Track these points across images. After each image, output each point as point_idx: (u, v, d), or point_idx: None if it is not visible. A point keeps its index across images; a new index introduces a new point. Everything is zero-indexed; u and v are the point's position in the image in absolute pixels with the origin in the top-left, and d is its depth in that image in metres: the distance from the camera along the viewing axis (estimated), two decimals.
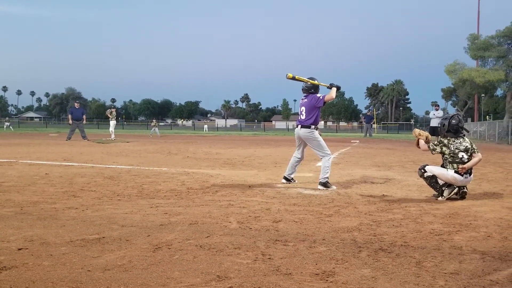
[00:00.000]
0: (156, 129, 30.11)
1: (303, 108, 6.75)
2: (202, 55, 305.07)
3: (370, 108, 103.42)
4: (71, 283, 2.53)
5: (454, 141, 5.54)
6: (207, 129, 54.44)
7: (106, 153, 12.90)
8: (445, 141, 5.59)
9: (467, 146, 5.54)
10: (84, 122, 21.03)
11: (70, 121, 20.43)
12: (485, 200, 5.53)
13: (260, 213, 4.57)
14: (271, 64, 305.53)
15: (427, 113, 35.93)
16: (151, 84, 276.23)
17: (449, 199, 5.46)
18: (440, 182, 5.55)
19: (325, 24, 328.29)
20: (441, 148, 5.59)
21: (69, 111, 21.63)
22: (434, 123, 19.50)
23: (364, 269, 2.83)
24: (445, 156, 5.57)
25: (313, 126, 6.64)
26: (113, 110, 22.83)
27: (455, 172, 5.41)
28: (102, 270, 2.75)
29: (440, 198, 5.49)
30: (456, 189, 5.49)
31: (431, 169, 5.58)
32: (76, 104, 21.63)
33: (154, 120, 33.18)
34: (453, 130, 5.58)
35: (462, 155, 5.48)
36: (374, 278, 2.67)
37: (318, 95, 6.70)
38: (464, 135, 5.63)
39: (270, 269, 2.81)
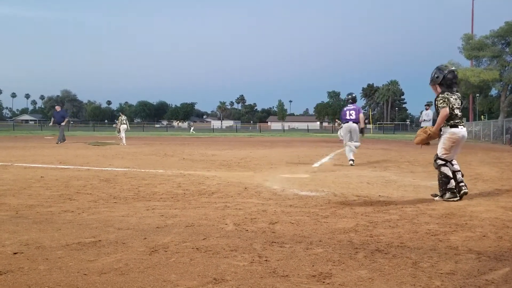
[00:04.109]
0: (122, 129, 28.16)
1: (353, 112, 10.49)
2: (197, 56, 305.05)
3: (366, 108, 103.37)
4: (68, 287, 2.52)
5: (452, 96, 5.56)
6: (193, 131, 51.88)
7: (102, 155, 12.87)
8: (446, 95, 5.55)
9: (459, 103, 5.64)
10: (64, 123, 20.34)
11: (51, 123, 20.62)
12: (481, 200, 5.55)
13: (256, 214, 4.57)
14: (266, 65, 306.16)
15: None
16: (147, 86, 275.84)
17: (446, 201, 5.47)
18: (451, 183, 5.46)
19: (320, 25, 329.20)
20: (447, 102, 5.52)
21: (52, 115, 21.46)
22: (425, 124, 19.42)
23: (361, 270, 2.83)
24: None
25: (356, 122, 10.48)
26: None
27: (451, 127, 5.49)
28: (98, 273, 2.74)
29: (437, 199, 5.50)
30: (458, 198, 5.45)
31: (440, 152, 5.57)
32: (56, 107, 21.44)
33: (116, 122, 29.67)
34: (447, 84, 5.59)
35: (457, 113, 5.57)
36: (371, 279, 2.68)
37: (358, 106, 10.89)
38: (456, 91, 5.70)
39: (267, 271, 2.81)
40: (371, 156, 13.18)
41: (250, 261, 3.00)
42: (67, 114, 22.34)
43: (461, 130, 5.55)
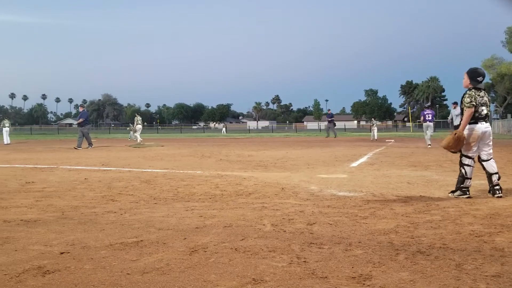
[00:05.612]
0: (132, 133, 27.95)
1: (430, 114, 17.49)
2: (232, 57, 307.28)
3: (405, 105, 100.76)
4: (111, 286, 2.61)
5: (478, 94, 5.58)
6: (225, 132, 53.58)
7: (142, 157, 13.18)
8: (472, 93, 5.57)
9: (486, 101, 5.60)
10: (81, 126, 18.42)
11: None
12: None
13: (294, 215, 4.56)
14: (301, 64, 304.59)
15: None
16: (184, 88, 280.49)
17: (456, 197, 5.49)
18: (465, 183, 5.49)
19: (357, 21, 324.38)
20: (475, 100, 5.54)
21: None
22: (458, 121, 18.61)
23: (402, 272, 2.78)
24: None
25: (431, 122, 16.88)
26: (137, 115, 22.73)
27: (473, 124, 5.51)
28: (140, 273, 2.82)
29: (449, 194, 5.65)
30: (467, 196, 5.46)
31: (463, 148, 5.57)
32: (80, 108, 20.33)
33: (130, 125, 31.25)
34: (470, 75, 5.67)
35: (482, 109, 5.55)
36: (412, 281, 2.62)
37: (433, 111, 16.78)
38: (483, 89, 5.68)
39: (306, 272, 2.80)
40: (411, 155, 12.88)
41: (289, 262, 3.00)
42: (86, 114, 18.90)
43: (481, 126, 5.51)
